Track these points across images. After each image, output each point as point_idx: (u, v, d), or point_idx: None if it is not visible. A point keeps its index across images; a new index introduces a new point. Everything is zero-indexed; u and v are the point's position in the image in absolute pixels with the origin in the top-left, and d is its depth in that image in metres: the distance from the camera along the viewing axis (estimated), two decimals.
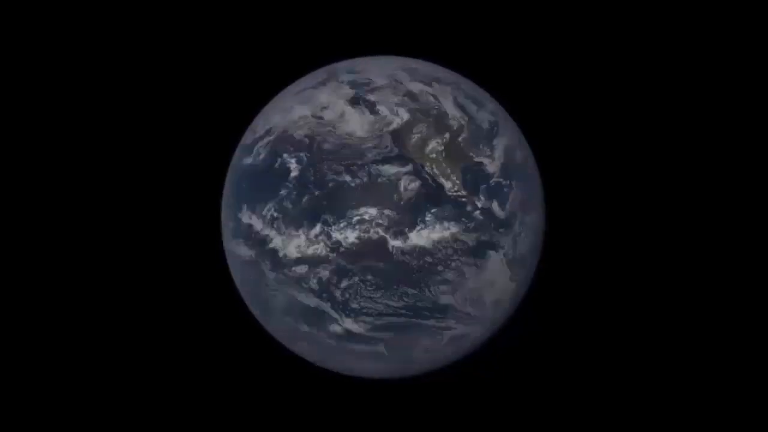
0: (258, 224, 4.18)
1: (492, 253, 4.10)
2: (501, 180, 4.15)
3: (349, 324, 4.10)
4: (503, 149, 4.22)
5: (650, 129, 5.14)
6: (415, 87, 4.20)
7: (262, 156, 4.28)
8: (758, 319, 4.94)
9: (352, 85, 4.25)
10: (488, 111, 4.32)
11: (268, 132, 4.33)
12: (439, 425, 4.98)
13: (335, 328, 4.13)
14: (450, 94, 4.23)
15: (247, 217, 4.24)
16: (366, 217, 3.94)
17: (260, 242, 4.18)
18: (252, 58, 5.22)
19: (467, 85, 4.45)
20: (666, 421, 4.93)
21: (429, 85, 4.23)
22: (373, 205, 3.94)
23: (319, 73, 4.48)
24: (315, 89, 4.34)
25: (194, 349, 5.10)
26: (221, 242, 4.59)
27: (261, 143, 4.31)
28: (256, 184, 4.25)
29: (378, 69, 4.35)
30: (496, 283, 4.18)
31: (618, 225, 5.11)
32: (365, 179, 3.96)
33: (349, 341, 4.18)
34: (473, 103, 4.28)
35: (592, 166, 5.13)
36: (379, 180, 3.96)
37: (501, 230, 4.11)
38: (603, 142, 5.15)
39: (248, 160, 4.35)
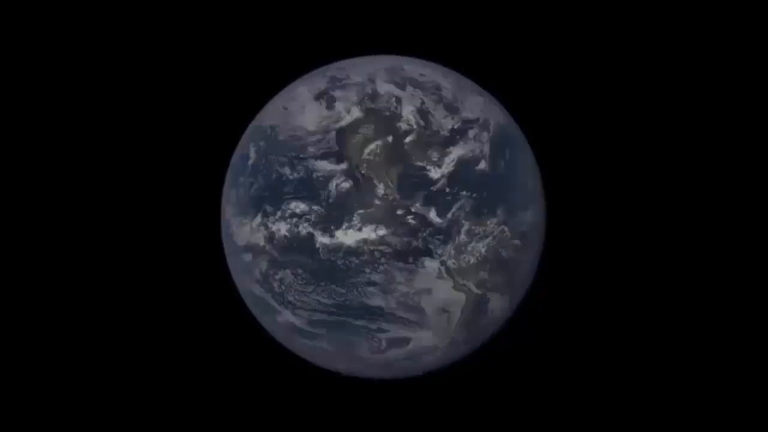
0: (227, 212, 4.36)
1: (427, 260, 3.99)
2: (446, 188, 4.02)
3: (289, 316, 4.16)
4: (457, 159, 4.06)
5: (650, 129, 5.15)
6: (384, 87, 4.17)
7: (241, 143, 4.52)
8: (758, 318, 4.95)
9: (330, 80, 4.28)
10: (458, 119, 4.17)
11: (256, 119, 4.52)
12: (439, 425, 4.98)
13: (279, 318, 4.21)
14: (420, 98, 4.16)
15: (225, 204, 4.44)
16: (297, 211, 3.98)
17: (227, 230, 4.38)
18: (252, 58, 5.23)
19: (452, 91, 4.30)
20: (666, 421, 4.94)
21: (402, 87, 4.18)
22: (305, 200, 3.98)
23: (327, 68, 4.50)
24: (301, 81, 4.43)
25: (194, 348, 5.09)
26: (221, 242, 4.59)
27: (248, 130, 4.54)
28: (233, 170, 4.45)
29: (364, 66, 4.35)
30: (433, 290, 4.04)
31: (618, 225, 5.12)
32: (302, 173, 4.02)
33: (294, 333, 4.24)
34: (445, 109, 4.17)
35: (593, 166, 5.15)
36: (314, 175, 3.99)
37: (438, 238, 4.00)
38: (603, 142, 5.17)
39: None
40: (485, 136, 4.21)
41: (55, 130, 5.18)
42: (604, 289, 5.08)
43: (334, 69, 4.42)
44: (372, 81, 4.20)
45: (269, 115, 4.38)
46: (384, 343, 4.14)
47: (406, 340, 4.14)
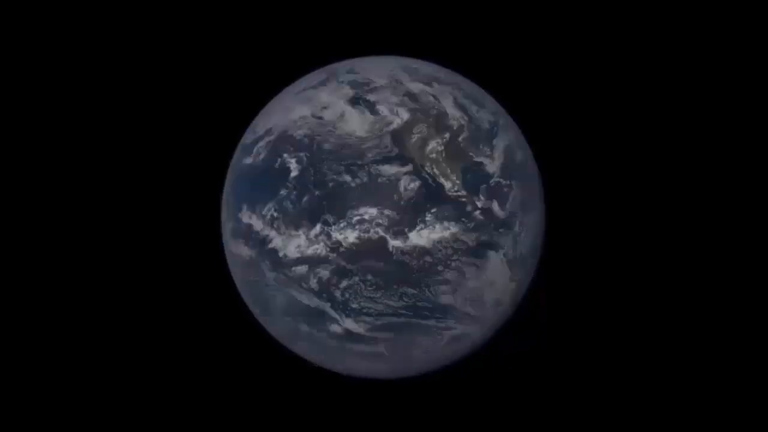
0: (258, 224, 4.17)
1: (492, 253, 4.09)
2: (501, 180, 4.14)
3: (350, 324, 4.10)
4: (503, 149, 4.22)
5: (650, 129, 5.15)
6: (415, 87, 4.21)
7: (262, 156, 4.27)
8: (757, 318, 4.94)
9: (353, 85, 4.25)
10: (488, 111, 4.32)
11: (268, 132, 4.32)
12: (439, 425, 4.98)
13: (335, 328, 4.14)
14: (450, 94, 4.23)
15: (247, 217, 4.23)
16: (366, 217, 3.94)
17: (260, 242, 4.17)
18: (252, 58, 5.23)
19: (467, 85, 4.44)
20: (666, 421, 4.93)
21: (429, 85, 4.24)
22: (373, 205, 3.94)
23: (319, 74, 4.50)
24: (315, 89, 4.35)
25: (194, 349, 5.11)
26: (221, 242, 4.59)
27: (261, 143, 4.30)
28: (256, 183, 4.24)
29: (378, 69, 4.36)
30: (496, 283, 4.17)
31: (618, 225, 5.12)
32: (365, 179, 3.96)
33: (349, 341, 4.17)
34: (473, 103, 4.28)
35: (592, 166, 5.15)
36: (379, 180, 3.96)
37: (501, 230, 4.11)
38: (603, 141, 5.16)
39: (248, 160, 4.34)
40: (511, 125, 4.44)
41: (55, 130, 5.20)
42: (603, 289, 5.08)
43: (342, 74, 4.39)
44: (399, 82, 4.23)
45: (294, 125, 4.21)
46: (445, 340, 4.19)
47: (464, 336, 4.25)
